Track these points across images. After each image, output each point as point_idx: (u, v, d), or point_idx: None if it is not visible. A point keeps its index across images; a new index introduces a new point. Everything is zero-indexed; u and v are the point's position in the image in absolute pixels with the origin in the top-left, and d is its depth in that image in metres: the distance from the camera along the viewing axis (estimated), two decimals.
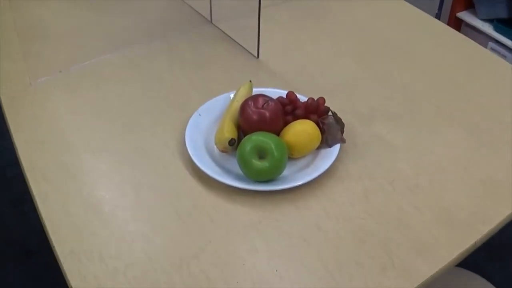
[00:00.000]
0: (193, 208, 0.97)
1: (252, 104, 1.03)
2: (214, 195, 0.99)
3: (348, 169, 1.04)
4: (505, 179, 1.03)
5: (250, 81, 1.13)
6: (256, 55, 1.29)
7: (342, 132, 1.07)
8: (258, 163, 0.97)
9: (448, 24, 2.62)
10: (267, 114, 1.02)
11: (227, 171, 1.01)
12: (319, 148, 1.06)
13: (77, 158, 1.06)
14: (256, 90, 1.13)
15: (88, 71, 1.27)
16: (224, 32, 1.39)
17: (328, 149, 1.05)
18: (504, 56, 2.39)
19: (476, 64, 1.32)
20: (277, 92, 1.13)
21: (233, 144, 1.01)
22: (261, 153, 0.96)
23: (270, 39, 1.37)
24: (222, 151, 1.04)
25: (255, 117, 1.02)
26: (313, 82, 1.24)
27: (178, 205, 0.98)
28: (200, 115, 1.11)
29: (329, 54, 1.34)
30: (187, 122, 1.10)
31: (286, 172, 1.02)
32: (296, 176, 1.01)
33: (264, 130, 1.01)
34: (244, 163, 0.97)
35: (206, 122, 1.10)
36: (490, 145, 1.10)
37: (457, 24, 2.60)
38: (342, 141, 1.06)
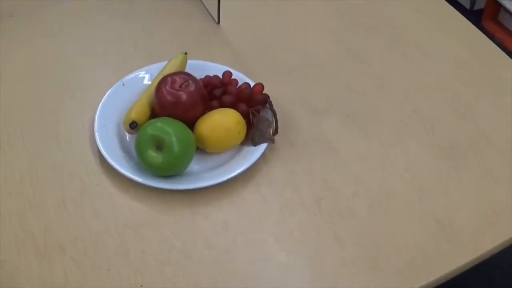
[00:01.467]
0: (80, 192, 0.82)
1: (169, 83, 0.85)
2: (109, 183, 0.83)
3: (272, 176, 0.85)
4: (467, 221, 0.82)
5: (185, 53, 0.94)
6: (216, 19, 1.09)
7: (275, 130, 0.88)
8: (152, 155, 0.79)
9: (486, 8, 2.29)
10: (183, 97, 0.83)
11: (131, 157, 0.85)
12: (244, 143, 0.87)
13: None
14: (193, 64, 0.95)
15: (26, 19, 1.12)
16: None
17: (252, 148, 0.86)
18: None
19: (483, 71, 1.07)
20: (218, 69, 0.95)
21: (134, 128, 0.84)
22: (159, 144, 0.79)
23: (238, 3, 1.16)
24: (128, 133, 0.87)
25: (168, 98, 0.83)
26: (272, 61, 1.04)
27: (66, 187, 0.83)
28: (124, 84, 0.94)
29: (298, 28, 1.11)
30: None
31: (195, 167, 0.85)
32: (202, 175, 0.83)
33: (178, 115, 0.83)
34: (138, 152, 0.80)
35: (130, 93, 0.92)
36: (462, 173, 0.88)
37: (496, 9, 2.27)
38: (271, 141, 0.86)
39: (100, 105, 0.90)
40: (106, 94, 0.92)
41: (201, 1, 1.13)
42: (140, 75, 0.95)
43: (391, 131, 0.92)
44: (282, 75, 1.00)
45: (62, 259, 0.75)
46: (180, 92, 0.83)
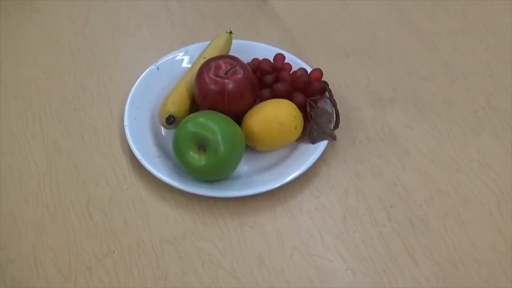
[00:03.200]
0: (108, 199, 0.68)
1: (212, 69, 0.68)
2: (142, 187, 0.69)
3: (333, 179, 0.70)
4: None
5: (230, 32, 0.78)
6: None
7: (336, 124, 0.72)
8: (194, 157, 0.64)
9: None
10: (230, 86, 0.67)
11: (168, 157, 0.70)
12: (300, 140, 0.71)
13: None
14: (239, 44, 0.79)
15: None
16: None
17: (311, 146, 0.70)
18: None
19: None
20: (267, 50, 0.78)
21: (172, 123, 0.68)
22: (202, 144, 0.64)
23: None
24: (164, 127, 0.72)
25: (212, 87, 0.67)
26: (327, 41, 0.86)
27: (91, 193, 0.68)
28: (158, 68, 0.78)
29: (358, 5, 0.93)
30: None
31: (244, 168, 0.69)
32: (253, 179, 0.68)
33: (223, 108, 0.67)
34: (177, 153, 0.65)
35: (165, 79, 0.76)
36: None
37: None
38: (331, 137, 0.70)
39: (130, 93, 0.75)
40: (138, 81, 0.76)
41: None
42: (177, 58, 0.79)
43: (465, 125, 0.75)
44: (340, 58, 0.83)
45: (89, 281, 0.61)
46: (226, 80, 0.67)
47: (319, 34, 0.87)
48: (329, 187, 0.69)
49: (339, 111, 0.71)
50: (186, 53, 0.79)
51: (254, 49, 0.79)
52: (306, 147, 0.70)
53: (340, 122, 0.72)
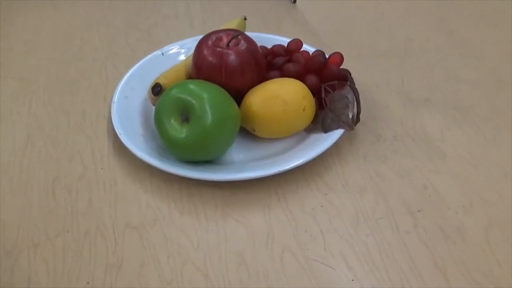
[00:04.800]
0: (78, 178, 0.55)
1: (213, 40, 0.58)
2: (118, 167, 0.56)
3: (348, 175, 0.55)
4: None
5: (245, 18, 0.67)
6: None
7: (357, 115, 0.57)
8: (175, 127, 0.51)
9: None
10: (231, 57, 0.55)
11: (154, 139, 0.57)
12: (311, 130, 0.58)
13: None
14: (257, 37, 0.67)
15: None
16: None
17: (323, 135, 0.56)
18: None
19: None
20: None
21: (158, 94, 0.57)
22: (187, 113, 0.51)
23: None
24: (151, 101, 0.60)
25: (209, 59, 0.56)
26: (358, 44, 0.74)
27: (61, 170, 0.56)
28: (163, 54, 0.68)
29: (392, 10, 0.81)
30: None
31: (237, 157, 0.56)
32: (246, 165, 0.54)
33: (221, 83, 0.55)
34: (157, 123, 0.52)
35: (169, 66, 0.66)
36: None
37: None
38: (348, 126, 0.56)
39: (128, 73, 0.65)
40: (139, 63, 0.66)
41: None
42: (186, 46, 0.69)
43: None
44: (370, 59, 0.70)
45: (31, 259, 0.48)
46: (227, 51, 0.56)
47: (349, 38, 0.75)
48: (341, 184, 0.54)
49: (362, 107, 0.58)
50: (194, 42, 0.69)
51: (274, 42, 0.68)
52: (317, 137, 0.56)
53: (364, 119, 0.58)
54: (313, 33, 0.76)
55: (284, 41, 0.66)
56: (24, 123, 0.63)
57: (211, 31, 0.60)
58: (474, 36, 0.76)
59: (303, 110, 0.54)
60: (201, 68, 0.56)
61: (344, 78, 0.59)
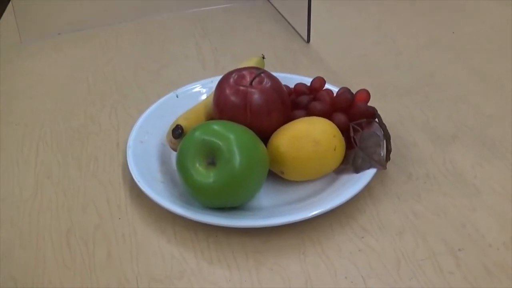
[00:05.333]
0: (94, 229, 0.51)
1: (234, 79, 0.55)
2: (138, 217, 0.52)
3: (383, 217, 0.51)
4: None
5: (263, 57, 0.65)
6: (306, 39, 0.81)
7: (388, 153, 0.55)
8: (201, 172, 0.48)
9: None
10: (254, 96, 0.52)
11: (175, 186, 0.53)
12: (341, 171, 0.54)
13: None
14: (279, 76, 0.63)
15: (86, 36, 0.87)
16: (275, 8, 0.92)
17: (354, 175, 0.53)
18: None
19: None
20: (308, 82, 0.63)
21: (179, 137, 0.53)
22: (213, 156, 0.48)
23: (327, 21, 0.88)
24: (172, 148, 0.56)
25: (232, 98, 0.53)
26: (379, 81, 0.72)
27: (76, 220, 0.52)
28: (177, 96, 0.65)
29: (412, 46, 0.79)
30: None
31: (265, 202, 0.52)
32: (277, 209, 0.50)
33: (246, 123, 0.52)
34: (180, 168, 0.49)
35: (184, 108, 0.62)
36: None
37: None
38: (381, 165, 0.53)
39: (141, 116, 0.61)
40: (152, 105, 0.63)
41: (286, 19, 0.86)
42: (200, 88, 0.67)
43: None
44: (393, 96, 0.68)
45: None
46: (250, 89, 0.53)
47: (367, 75, 0.73)
48: (377, 226, 0.50)
49: (392, 144, 0.55)
50: (211, 83, 0.66)
51: (293, 81, 0.64)
52: (348, 177, 0.53)
53: (393, 158, 0.55)
54: (330, 72, 0.74)
55: (303, 79, 0.64)
56: (31, 171, 0.59)
57: (225, 71, 0.57)
58: (492, 68, 0.74)
59: (334, 149, 0.51)
60: (224, 108, 0.53)
61: (373, 115, 0.56)
